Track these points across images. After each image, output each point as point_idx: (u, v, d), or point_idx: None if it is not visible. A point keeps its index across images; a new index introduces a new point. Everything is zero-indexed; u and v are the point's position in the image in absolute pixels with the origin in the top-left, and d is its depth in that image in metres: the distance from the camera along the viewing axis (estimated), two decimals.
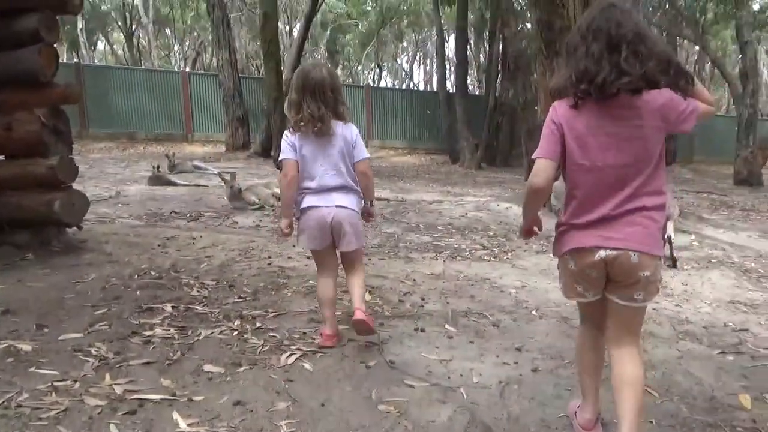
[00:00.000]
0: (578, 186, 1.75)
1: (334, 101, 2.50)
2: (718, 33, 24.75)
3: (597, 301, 1.80)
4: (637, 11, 7.15)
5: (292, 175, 2.52)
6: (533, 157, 1.77)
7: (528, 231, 1.98)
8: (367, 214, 2.70)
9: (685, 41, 23.25)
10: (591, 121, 1.69)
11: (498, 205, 7.32)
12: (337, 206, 2.52)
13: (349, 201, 2.56)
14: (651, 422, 1.97)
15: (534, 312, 3.21)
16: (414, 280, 3.75)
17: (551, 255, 2.05)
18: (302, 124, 2.47)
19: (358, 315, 2.42)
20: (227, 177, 6.70)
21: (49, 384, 1.99)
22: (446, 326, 2.86)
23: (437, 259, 4.48)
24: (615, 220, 1.69)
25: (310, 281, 3.54)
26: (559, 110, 1.74)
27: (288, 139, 2.55)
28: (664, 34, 20.13)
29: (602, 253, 1.69)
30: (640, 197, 1.69)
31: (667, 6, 19.44)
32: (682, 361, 2.58)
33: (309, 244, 2.58)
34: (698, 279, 4.17)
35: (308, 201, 2.54)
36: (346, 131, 2.55)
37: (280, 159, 2.60)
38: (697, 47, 22.44)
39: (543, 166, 1.74)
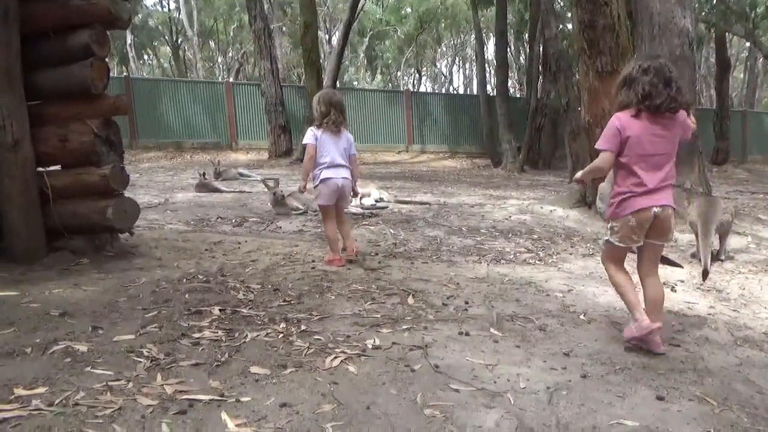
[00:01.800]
0: (636, 168, 2.60)
1: (343, 115, 4.19)
2: None
3: (627, 247, 2.72)
4: (684, 8, 6.94)
5: (312, 154, 4.10)
6: (597, 147, 2.66)
7: (580, 180, 2.94)
8: (353, 190, 4.41)
9: (735, 37, 22.35)
10: (646, 127, 2.59)
11: (542, 208, 7.19)
12: (343, 177, 4.15)
13: (348, 174, 4.21)
14: (709, 431, 1.89)
15: (582, 316, 3.13)
16: (457, 283, 3.72)
17: (606, 228, 2.86)
18: (328, 124, 4.11)
19: (351, 248, 4.21)
20: (270, 183, 6.82)
21: (104, 383, 2.05)
22: (491, 330, 2.82)
23: (481, 263, 4.43)
24: (658, 191, 2.61)
25: (353, 285, 3.56)
26: (622, 118, 2.62)
27: (314, 132, 4.12)
28: (713, 30, 19.45)
29: (656, 210, 2.60)
30: (669, 176, 2.64)
31: (715, 1, 18.75)
32: (742, 368, 2.47)
33: (326, 201, 4.16)
34: (756, 283, 3.98)
35: (326, 174, 4.10)
36: (347, 134, 4.27)
37: (305, 143, 4.15)
38: (748, 43, 21.55)
39: (608, 156, 2.64)
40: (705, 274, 4.00)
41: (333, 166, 4.10)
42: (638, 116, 2.58)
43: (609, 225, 2.77)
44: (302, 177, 4.26)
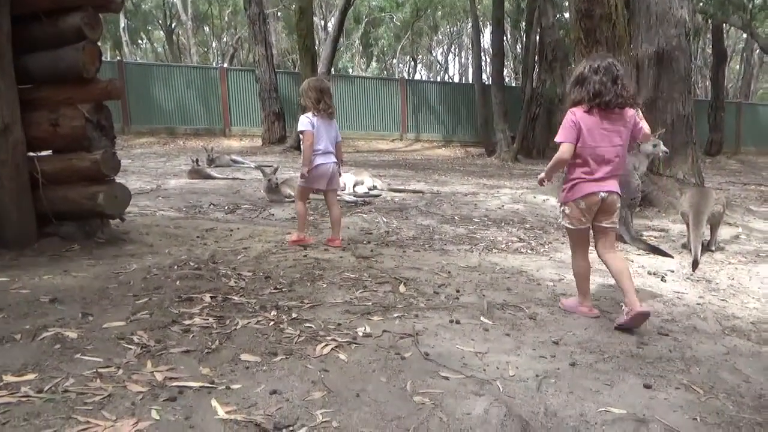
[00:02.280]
0: (586, 159, 2.88)
1: (331, 102, 4.31)
2: (766, 20, 23.69)
3: (586, 229, 2.99)
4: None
5: (311, 141, 4.22)
6: (557, 140, 2.92)
7: (543, 181, 3.12)
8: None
9: (732, 28, 22.33)
10: (597, 121, 2.85)
11: (535, 197, 7.21)
12: (333, 162, 4.36)
13: (335, 159, 4.39)
14: (695, 419, 1.91)
15: None
16: (449, 272, 3.73)
17: (559, 211, 3.19)
18: (322, 111, 4.23)
19: (338, 239, 4.40)
20: (267, 170, 6.79)
21: (94, 370, 2.05)
22: (482, 318, 2.83)
23: (473, 252, 4.44)
24: (605, 180, 2.89)
25: (345, 273, 3.56)
26: (577, 113, 2.88)
27: (310, 119, 4.23)
28: (710, 21, 19.41)
29: (603, 194, 2.88)
30: (617, 167, 2.91)
31: None
32: (729, 357, 2.49)
33: (320, 185, 4.37)
34: (745, 273, 4.01)
35: (319, 160, 4.28)
36: (335, 122, 4.41)
37: (301, 130, 4.25)
38: (745, 34, 21.54)
39: (568, 147, 2.88)
40: (695, 264, 4.03)
41: (325, 152, 4.29)
42: (590, 112, 2.85)
43: (561, 208, 3.08)
44: (304, 163, 4.29)
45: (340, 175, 4.62)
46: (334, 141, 4.35)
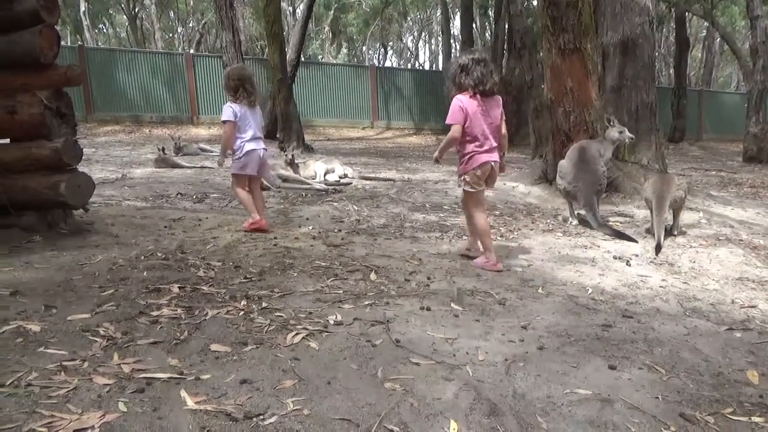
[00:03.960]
0: (476, 136, 3.56)
1: (254, 89, 4.39)
2: (726, 9, 24.28)
3: (482, 191, 3.70)
4: None
5: (232, 132, 4.31)
6: (447, 122, 3.59)
7: (439, 159, 3.78)
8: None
9: (694, 17, 22.82)
10: (480, 105, 3.52)
11: (504, 184, 7.28)
12: (263, 148, 4.46)
13: (265, 146, 4.51)
14: (657, 398, 1.97)
15: (540, 290, 3.20)
16: (420, 259, 3.75)
17: (459, 181, 3.83)
18: (242, 98, 4.31)
19: (264, 223, 4.37)
20: None
21: (58, 363, 2.01)
22: (452, 305, 2.86)
23: (443, 239, 4.47)
24: (492, 150, 3.61)
25: (316, 261, 3.55)
26: (462, 99, 3.52)
27: (232, 108, 4.29)
28: (673, 10, 19.79)
29: (492, 163, 3.61)
30: (496, 140, 3.63)
31: None
32: (689, 337, 2.57)
33: (250, 171, 4.41)
34: (706, 256, 4.14)
35: (249, 146, 4.34)
36: (259, 108, 4.51)
37: (224, 120, 4.33)
38: (707, 23, 22.04)
39: (458, 128, 3.54)
40: (658, 248, 4.14)
41: (254, 138, 4.38)
42: (473, 97, 3.50)
43: (462, 178, 3.70)
44: (222, 153, 4.55)
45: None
46: (260, 127, 4.46)
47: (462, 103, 3.50)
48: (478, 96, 3.50)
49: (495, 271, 3.52)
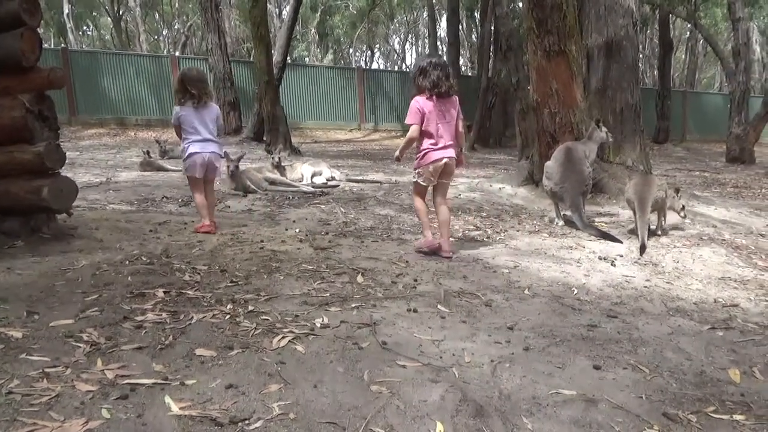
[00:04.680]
0: (432, 134, 3.85)
1: (204, 89, 4.42)
2: (708, 11, 24.61)
3: (428, 187, 4.00)
4: None
5: (179, 134, 4.50)
6: (407, 122, 3.91)
7: (399, 158, 4.16)
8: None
9: (678, 19, 23.10)
10: (436, 105, 3.82)
11: (491, 186, 7.32)
12: (210, 152, 4.45)
13: (216, 148, 4.53)
14: (641, 397, 1.99)
15: (526, 291, 3.22)
16: (407, 261, 3.75)
17: (413, 174, 4.09)
18: (185, 101, 4.38)
19: (209, 227, 4.41)
20: (233, 156, 6.68)
21: (40, 370, 1.98)
22: (439, 307, 2.87)
23: None
24: (447, 147, 3.87)
25: (303, 264, 3.54)
26: (420, 100, 3.83)
27: (175, 111, 4.43)
28: (656, 12, 20.02)
29: (446, 159, 3.87)
30: (452, 139, 3.91)
31: None
32: (673, 337, 2.60)
33: (196, 173, 4.45)
34: (689, 256, 4.19)
35: (192, 148, 4.40)
36: (213, 108, 4.53)
37: (174, 123, 4.50)
38: (689, 24, 22.31)
39: (416, 128, 3.85)
40: (642, 248, 4.18)
41: (200, 141, 4.41)
42: (431, 98, 3.80)
43: (416, 171, 4.00)
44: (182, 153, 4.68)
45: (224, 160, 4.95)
46: (211, 127, 4.46)
47: (419, 104, 3.82)
48: (434, 97, 3.79)
49: (434, 246, 3.91)
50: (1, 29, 3.64)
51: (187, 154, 4.43)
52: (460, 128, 4.00)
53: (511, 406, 1.90)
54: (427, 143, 3.87)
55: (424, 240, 3.99)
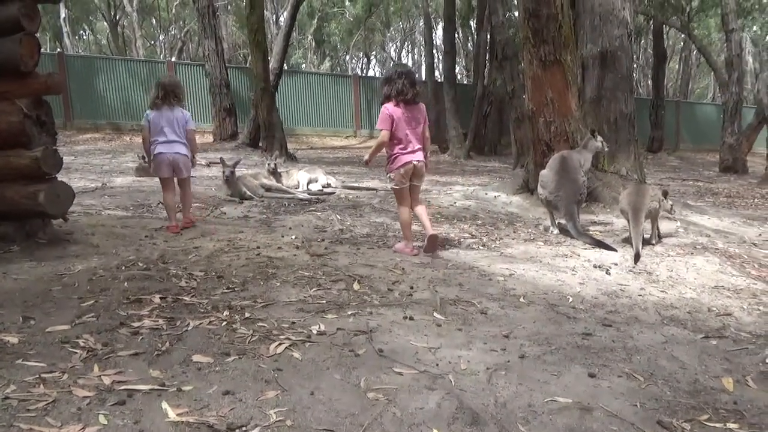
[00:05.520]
0: (401, 139, 4.12)
1: (173, 94, 4.70)
2: (701, 21, 24.85)
3: (407, 188, 4.24)
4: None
5: (145, 135, 4.76)
6: (377, 128, 4.17)
7: (368, 162, 4.32)
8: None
9: (672, 29, 23.31)
10: (403, 111, 4.09)
11: (486, 194, 7.35)
12: (175, 152, 4.69)
13: (183, 149, 4.74)
14: (635, 405, 2.01)
15: (522, 299, 3.24)
16: (403, 269, 3.76)
17: (387, 178, 4.46)
18: (157, 105, 4.68)
19: (188, 219, 4.84)
20: (229, 162, 6.70)
21: (37, 376, 1.98)
22: (435, 314, 2.88)
23: None
24: (415, 151, 4.16)
25: (299, 271, 3.55)
26: (389, 107, 4.08)
27: (146, 114, 4.73)
28: (650, 23, 20.20)
29: (415, 162, 4.15)
30: (420, 143, 4.20)
31: None
32: (667, 345, 2.62)
33: (162, 173, 4.71)
34: (683, 265, 4.22)
35: (158, 149, 4.67)
36: (180, 111, 4.75)
37: (143, 125, 4.77)
38: (683, 35, 22.52)
39: (386, 134, 4.09)
40: (637, 257, 4.21)
41: (166, 142, 4.66)
42: (398, 105, 4.08)
43: (388, 176, 4.30)
44: (146, 154, 5.04)
45: (193, 165, 4.99)
46: (178, 129, 4.70)
47: (388, 110, 4.08)
48: (402, 104, 4.07)
49: (413, 255, 4.15)
50: (1, 34, 3.65)
51: (153, 155, 4.70)
52: (427, 133, 4.27)
53: (507, 414, 1.91)
54: (396, 148, 4.14)
55: (403, 246, 4.25)
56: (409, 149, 4.13)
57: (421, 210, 4.35)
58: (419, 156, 4.18)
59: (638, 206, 4.58)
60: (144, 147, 4.87)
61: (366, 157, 4.31)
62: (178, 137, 4.71)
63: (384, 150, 4.22)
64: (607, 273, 3.94)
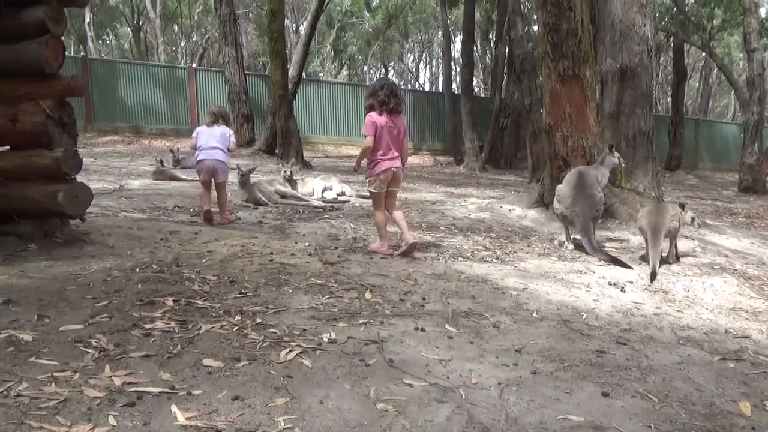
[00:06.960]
0: (382, 146, 4.43)
1: (225, 117, 5.79)
2: (722, 40, 24.65)
3: (384, 193, 4.53)
4: (645, 16, 7.16)
5: (192, 143, 5.65)
6: (363, 133, 4.47)
7: (357, 168, 4.73)
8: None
9: (692, 47, 23.14)
10: (387, 121, 4.41)
11: (501, 207, 7.32)
12: (215, 159, 5.47)
13: (221, 156, 5.51)
14: (650, 427, 1.97)
15: (535, 314, 3.20)
16: (415, 279, 3.75)
17: (366, 183, 4.76)
18: (209, 123, 5.63)
19: (225, 218, 5.56)
20: (244, 168, 6.77)
21: (49, 374, 1.99)
22: (446, 326, 2.86)
23: (439, 259, 4.48)
24: (394, 159, 4.48)
25: (312, 278, 3.55)
26: (373, 116, 4.40)
27: (198, 129, 5.66)
28: (671, 40, 20.07)
29: (394, 169, 4.47)
30: (400, 150, 4.55)
31: (674, 11, 19.36)
32: (683, 366, 2.57)
33: (204, 177, 5.53)
34: (700, 285, 4.15)
35: (200, 156, 5.49)
36: (222, 128, 5.59)
37: (192, 136, 5.68)
38: (704, 53, 22.35)
39: (371, 140, 4.40)
40: (653, 275, 4.15)
41: (206, 149, 5.46)
42: (381, 114, 4.41)
43: (368, 180, 4.58)
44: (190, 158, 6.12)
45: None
46: (220, 140, 5.51)
47: (373, 118, 4.42)
48: (386, 113, 4.40)
49: (387, 255, 4.40)
50: (27, 36, 3.72)
51: (196, 162, 5.57)
52: (405, 144, 4.61)
53: (518, 430, 1.89)
54: (377, 154, 4.45)
55: (379, 245, 4.55)
56: (389, 156, 4.45)
57: (399, 216, 4.64)
58: (398, 163, 4.51)
59: (658, 226, 4.51)
60: (188, 151, 5.70)
61: (354, 164, 4.71)
62: (219, 147, 5.47)
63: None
64: (622, 290, 3.89)
